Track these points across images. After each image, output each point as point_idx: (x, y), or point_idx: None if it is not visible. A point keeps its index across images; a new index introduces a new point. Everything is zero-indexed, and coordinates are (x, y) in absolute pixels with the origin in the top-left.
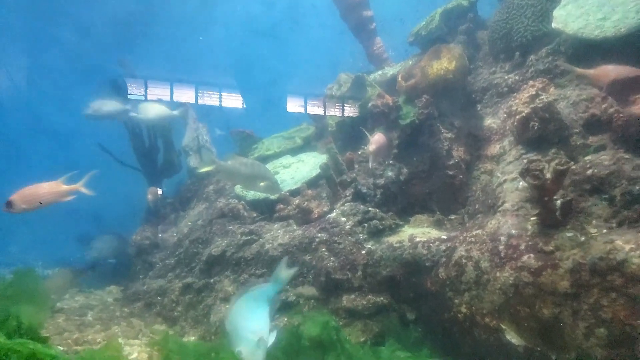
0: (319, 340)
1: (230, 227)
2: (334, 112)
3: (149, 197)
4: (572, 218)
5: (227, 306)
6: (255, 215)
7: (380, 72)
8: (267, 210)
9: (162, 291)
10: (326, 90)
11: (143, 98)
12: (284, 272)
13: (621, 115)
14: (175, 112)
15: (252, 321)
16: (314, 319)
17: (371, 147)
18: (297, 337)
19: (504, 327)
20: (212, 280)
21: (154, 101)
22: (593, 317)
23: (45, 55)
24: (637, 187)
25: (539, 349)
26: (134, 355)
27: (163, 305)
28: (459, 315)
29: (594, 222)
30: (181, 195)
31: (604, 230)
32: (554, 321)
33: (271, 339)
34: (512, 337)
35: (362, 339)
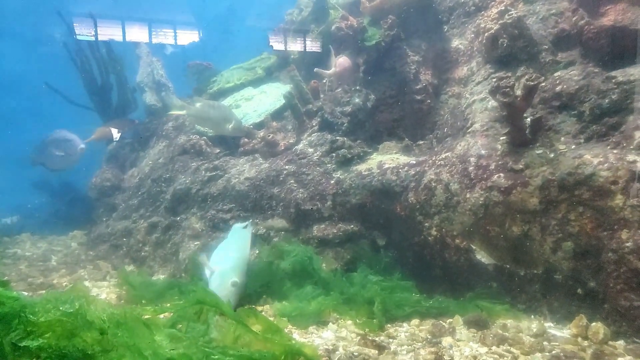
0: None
1: (193, 164)
2: (296, 38)
3: (94, 137)
4: (542, 135)
5: (196, 243)
6: (218, 151)
7: None
8: (233, 145)
9: (128, 232)
10: (286, 15)
11: (93, 39)
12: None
13: (592, 27)
14: None
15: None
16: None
17: (334, 69)
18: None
19: (474, 247)
20: (178, 218)
21: None
22: (560, 232)
23: None
24: (606, 101)
25: (508, 266)
26: (103, 296)
27: (129, 246)
28: (430, 238)
29: (562, 138)
30: (140, 134)
31: (573, 146)
32: (523, 238)
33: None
34: (482, 257)
35: (333, 267)
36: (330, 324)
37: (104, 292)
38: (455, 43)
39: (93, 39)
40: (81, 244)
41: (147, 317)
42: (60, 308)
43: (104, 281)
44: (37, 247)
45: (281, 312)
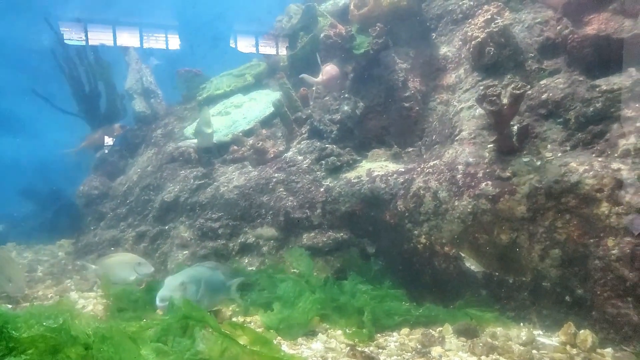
0: None
1: (182, 172)
2: (285, 45)
3: (85, 144)
4: (528, 143)
5: (184, 252)
6: (207, 158)
7: (331, 2)
8: (217, 153)
9: (115, 241)
10: (276, 22)
11: (83, 43)
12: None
13: (576, 36)
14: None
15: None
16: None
17: (321, 77)
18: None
19: (463, 254)
20: (166, 227)
21: None
22: (548, 239)
23: None
24: (591, 109)
25: (497, 273)
26: (90, 307)
27: None
28: (419, 245)
29: (549, 146)
30: (128, 141)
31: (559, 154)
32: (512, 246)
33: None
34: (471, 264)
35: (323, 275)
36: (319, 334)
37: (90, 303)
38: (444, 50)
39: (83, 43)
40: (68, 253)
41: (133, 330)
42: (44, 323)
43: (91, 292)
44: (22, 257)
45: (267, 325)
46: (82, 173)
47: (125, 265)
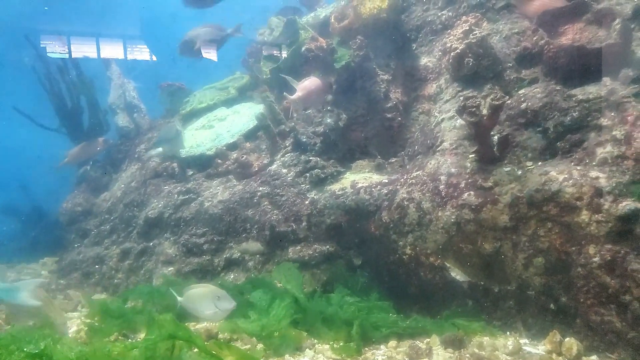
0: None
1: (166, 187)
2: (267, 58)
3: (67, 160)
4: (509, 152)
5: (170, 269)
6: (191, 173)
7: (312, 14)
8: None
9: (100, 259)
10: (257, 35)
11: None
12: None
13: (552, 46)
14: None
15: None
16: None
17: (297, 93)
18: None
19: (448, 265)
20: (151, 244)
21: None
22: (531, 248)
23: None
24: (568, 118)
25: (482, 283)
26: (74, 328)
27: (102, 273)
28: (404, 257)
29: (529, 155)
30: (112, 156)
31: (539, 163)
32: (496, 255)
33: None
34: (457, 274)
35: (310, 289)
36: (307, 349)
37: (74, 324)
38: (424, 61)
39: (66, 56)
40: (52, 272)
41: (117, 352)
42: (25, 348)
43: (75, 312)
44: (4, 277)
45: (249, 332)
46: (65, 189)
47: (205, 298)
